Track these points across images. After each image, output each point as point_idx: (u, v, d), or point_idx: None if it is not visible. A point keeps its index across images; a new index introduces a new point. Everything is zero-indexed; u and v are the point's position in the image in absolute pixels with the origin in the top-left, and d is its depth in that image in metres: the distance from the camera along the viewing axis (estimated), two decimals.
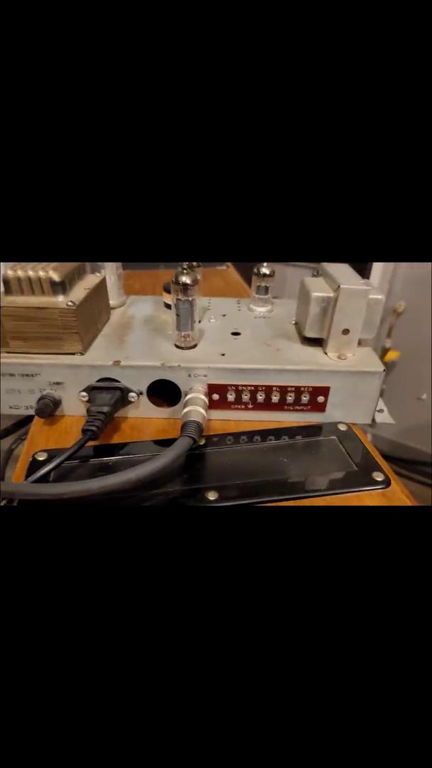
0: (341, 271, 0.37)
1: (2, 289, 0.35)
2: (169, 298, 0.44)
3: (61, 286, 0.34)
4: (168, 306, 0.45)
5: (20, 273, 0.34)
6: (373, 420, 0.38)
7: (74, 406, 0.37)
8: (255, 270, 0.45)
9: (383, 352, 1.34)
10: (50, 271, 0.34)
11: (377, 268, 1.13)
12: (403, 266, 1.24)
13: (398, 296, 1.27)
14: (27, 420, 0.42)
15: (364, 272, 1.15)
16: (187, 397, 0.35)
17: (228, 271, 0.82)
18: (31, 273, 0.34)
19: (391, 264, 1.22)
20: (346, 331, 0.36)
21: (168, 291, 0.44)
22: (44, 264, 0.35)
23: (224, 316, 0.44)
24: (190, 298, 0.35)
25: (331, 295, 0.35)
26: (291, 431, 0.37)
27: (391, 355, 1.33)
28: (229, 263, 0.86)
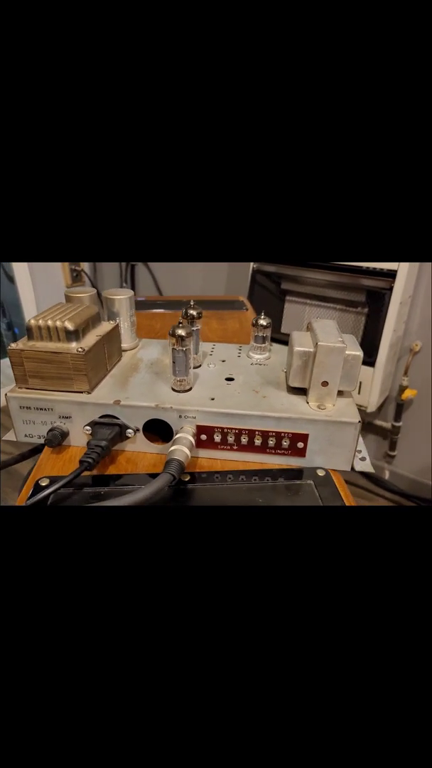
0: (325, 327, 0.38)
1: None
2: None
3: (74, 334, 0.38)
4: None
5: (41, 322, 0.38)
6: (353, 467, 0.38)
7: (80, 438, 0.40)
8: (253, 321, 0.47)
9: (400, 391, 1.30)
10: (66, 322, 0.38)
11: (393, 310, 1.12)
12: (419, 307, 1.22)
13: (414, 336, 1.24)
14: (42, 447, 0.45)
15: (380, 314, 1.14)
16: (176, 437, 0.37)
17: (247, 313, 0.84)
18: (50, 322, 0.38)
19: (407, 305, 1.20)
20: (325, 383, 0.37)
21: None
22: (62, 314, 0.39)
23: (223, 362, 0.46)
24: (185, 348, 0.38)
25: (311, 350, 0.36)
26: (274, 473, 0.38)
27: (408, 393, 1.30)
28: (248, 306, 0.89)
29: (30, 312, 1.86)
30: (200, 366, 0.45)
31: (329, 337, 0.36)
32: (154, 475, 0.38)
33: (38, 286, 1.82)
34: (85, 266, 1.97)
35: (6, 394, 0.39)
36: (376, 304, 1.16)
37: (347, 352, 0.35)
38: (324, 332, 0.37)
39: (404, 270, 1.09)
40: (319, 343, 0.35)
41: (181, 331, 0.37)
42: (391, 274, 1.11)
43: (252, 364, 0.46)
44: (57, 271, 1.88)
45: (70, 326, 0.38)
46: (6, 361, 2.26)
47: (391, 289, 1.11)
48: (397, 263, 1.09)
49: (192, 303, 0.44)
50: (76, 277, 1.97)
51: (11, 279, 1.89)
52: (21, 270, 1.76)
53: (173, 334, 0.37)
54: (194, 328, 0.42)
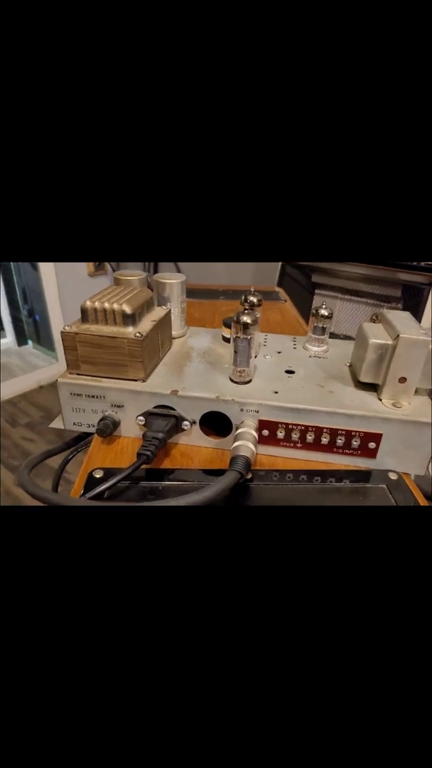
0: (401, 318, 0.35)
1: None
2: (227, 332, 0.44)
3: (131, 318, 0.35)
4: (226, 339, 0.45)
5: (97, 304, 0.35)
6: (427, 471, 0.35)
7: (131, 428, 0.38)
8: (313, 311, 0.43)
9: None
10: (123, 304, 0.35)
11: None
12: None
13: None
14: (84, 436, 0.43)
15: (416, 310, 1.10)
16: (238, 431, 0.34)
17: (285, 305, 0.81)
18: (106, 305, 0.35)
19: None
20: (403, 380, 0.33)
21: (227, 326, 0.44)
22: (118, 297, 0.36)
23: (279, 353, 0.43)
24: (249, 337, 0.35)
25: (390, 342, 0.33)
26: (338, 474, 0.35)
27: None
28: (287, 298, 0.85)
29: (52, 299, 1.85)
30: (256, 357, 0.42)
31: (410, 329, 0.33)
32: (209, 471, 0.35)
33: (60, 273, 1.81)
34: None
35: (57, 380, 0.37)
36: (412, 300, 1.12)
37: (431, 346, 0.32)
38: (402, 323, 0.34)
39: None
40: (401, 336, 0.32)
41: (246, 318, 0.34)
42: (431, 269, 1.06)
43: (310, 356, 0.43)
44: None
45: (127, 309, 0.35)
46: (27, 347, 2.26)
47: (430, 284, 1.07)
48: None
49: (252, 290, 0.41)
50: (99, 265, 1.95)
51: (34, 266, 1.88)
52: None
53: (238, 321, 0.34)
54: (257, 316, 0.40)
